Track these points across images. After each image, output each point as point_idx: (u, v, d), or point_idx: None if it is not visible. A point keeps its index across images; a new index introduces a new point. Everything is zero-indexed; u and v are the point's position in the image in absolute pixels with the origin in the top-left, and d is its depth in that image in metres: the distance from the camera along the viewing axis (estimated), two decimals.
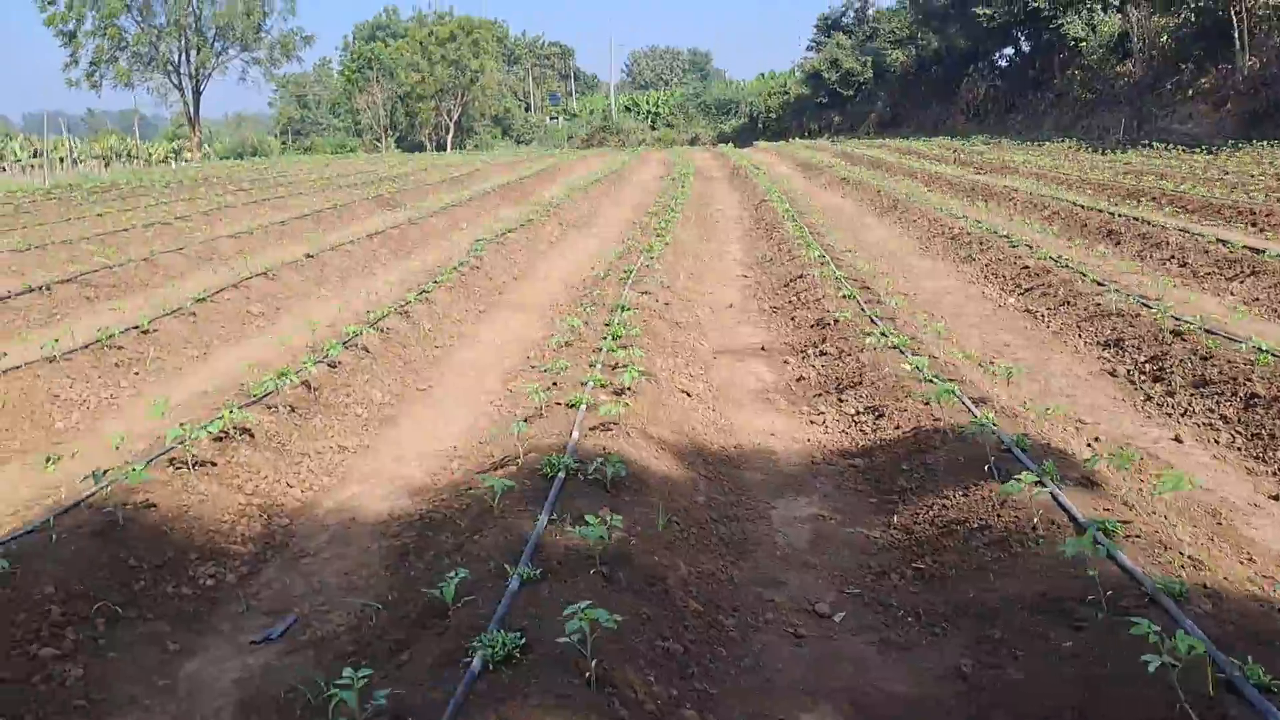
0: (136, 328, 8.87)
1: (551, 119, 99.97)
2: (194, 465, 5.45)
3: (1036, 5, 43.67)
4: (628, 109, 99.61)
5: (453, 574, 3.83)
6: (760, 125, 69.44)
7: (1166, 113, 35.97)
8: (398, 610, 4.18)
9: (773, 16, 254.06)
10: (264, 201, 22.39)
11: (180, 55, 47.30)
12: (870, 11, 72.84)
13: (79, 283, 11.52)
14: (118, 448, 5.85)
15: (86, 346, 8.13)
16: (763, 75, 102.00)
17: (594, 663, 3.17)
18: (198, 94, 47.82)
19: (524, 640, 3.35)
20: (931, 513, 4.89)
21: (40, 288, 10.88)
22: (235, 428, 5.99)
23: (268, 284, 11.61)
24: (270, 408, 6.52)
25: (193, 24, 45.72)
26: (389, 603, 4.31)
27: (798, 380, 7.95)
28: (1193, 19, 35.07)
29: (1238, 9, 31.50)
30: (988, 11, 45.74)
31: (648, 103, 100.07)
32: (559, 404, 6.40)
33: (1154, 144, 30.40)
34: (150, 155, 51.87)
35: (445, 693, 3.11)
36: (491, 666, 3.23)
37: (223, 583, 4.64)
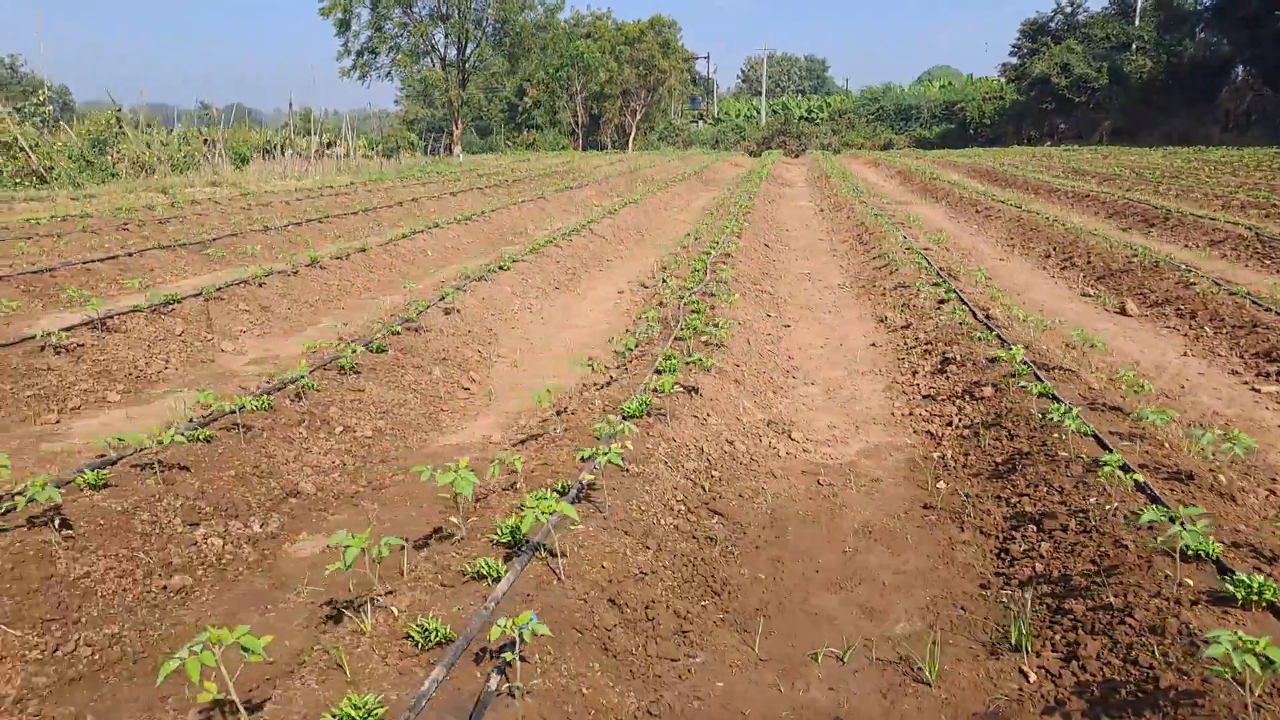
0: None
1: (692, 123, 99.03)
2: None
3: None
4: (775, 113, 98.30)
5: None
6: (972, 131, 67.32)
7: None
8: None
9: (892, 25, 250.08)
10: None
11: (451, 49, 47.05)
12: (1081, 16, 70.46)
13: None
14: None
15: None
16: (928, 81, 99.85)
17: None
18: (463, 87, 47.49)
19: None
20: None
21: None
22: None
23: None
24: None
25: (461, 14, 45.33)
26: None
27: None
28: None
29: None
30: None
31: (799, 108, 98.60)
32: None
33: None
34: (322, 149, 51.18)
35: None
36: None
37: None
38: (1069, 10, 71.08)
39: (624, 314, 10.85)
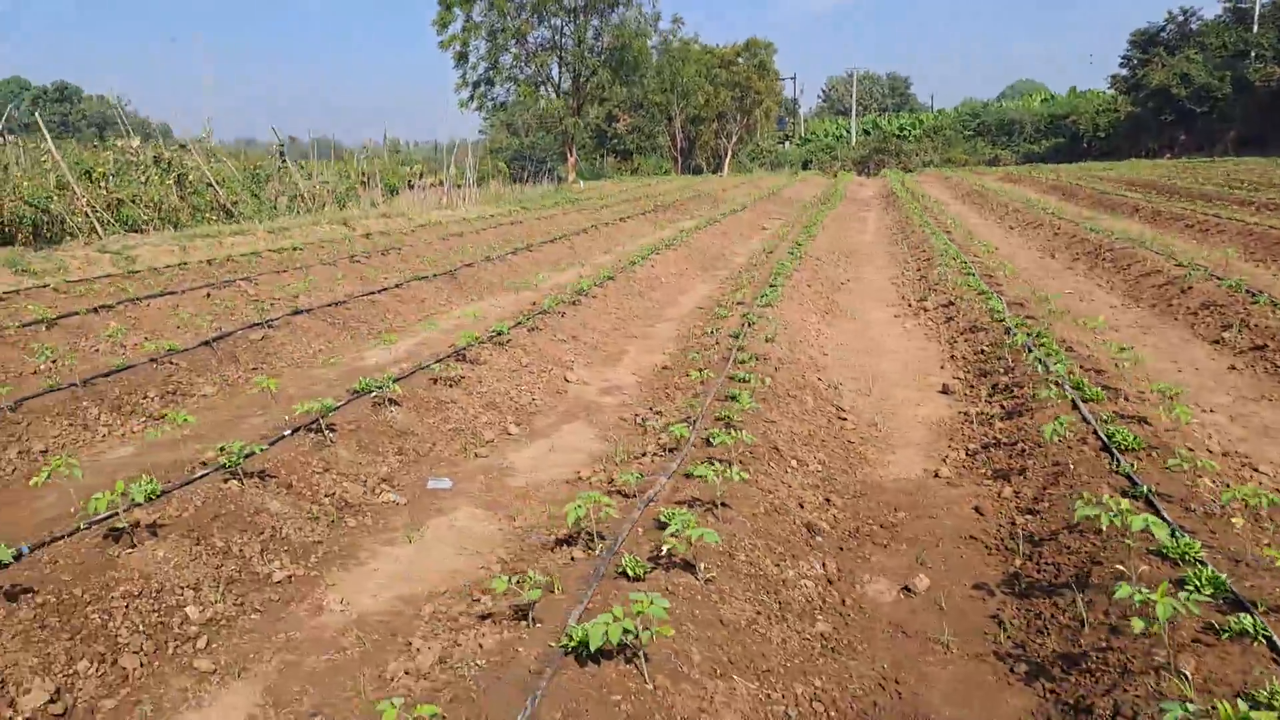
0: None
1: (779, 143, 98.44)
2: None
3: None
4: (867, 132, 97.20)
5: None
6: (1085, 144, 65.48)
7: None
8: None
9: (972, 41, 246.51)
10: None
11: (565, 78, 47.61)
12: (1194, 25, 68.25)
13: None
14: None
15: None
16: (1027, 96, 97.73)
17: None
18: (578, 114, 47.94)
19: None
20: None
21: None
22: None
23: None
24: None
25: (577, 43, 45.82)
26: None
27: None
28: None
29: None
30: None
31: (890, 125, 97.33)
32: None
33: None
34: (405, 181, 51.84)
35: None
36: None
37: None
38: (1181, 19, 68.98)
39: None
